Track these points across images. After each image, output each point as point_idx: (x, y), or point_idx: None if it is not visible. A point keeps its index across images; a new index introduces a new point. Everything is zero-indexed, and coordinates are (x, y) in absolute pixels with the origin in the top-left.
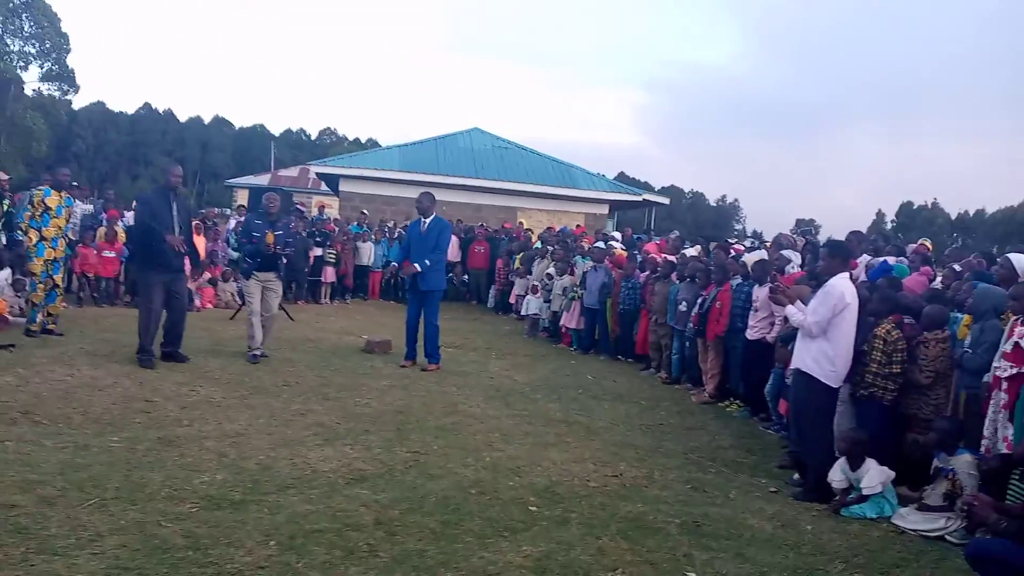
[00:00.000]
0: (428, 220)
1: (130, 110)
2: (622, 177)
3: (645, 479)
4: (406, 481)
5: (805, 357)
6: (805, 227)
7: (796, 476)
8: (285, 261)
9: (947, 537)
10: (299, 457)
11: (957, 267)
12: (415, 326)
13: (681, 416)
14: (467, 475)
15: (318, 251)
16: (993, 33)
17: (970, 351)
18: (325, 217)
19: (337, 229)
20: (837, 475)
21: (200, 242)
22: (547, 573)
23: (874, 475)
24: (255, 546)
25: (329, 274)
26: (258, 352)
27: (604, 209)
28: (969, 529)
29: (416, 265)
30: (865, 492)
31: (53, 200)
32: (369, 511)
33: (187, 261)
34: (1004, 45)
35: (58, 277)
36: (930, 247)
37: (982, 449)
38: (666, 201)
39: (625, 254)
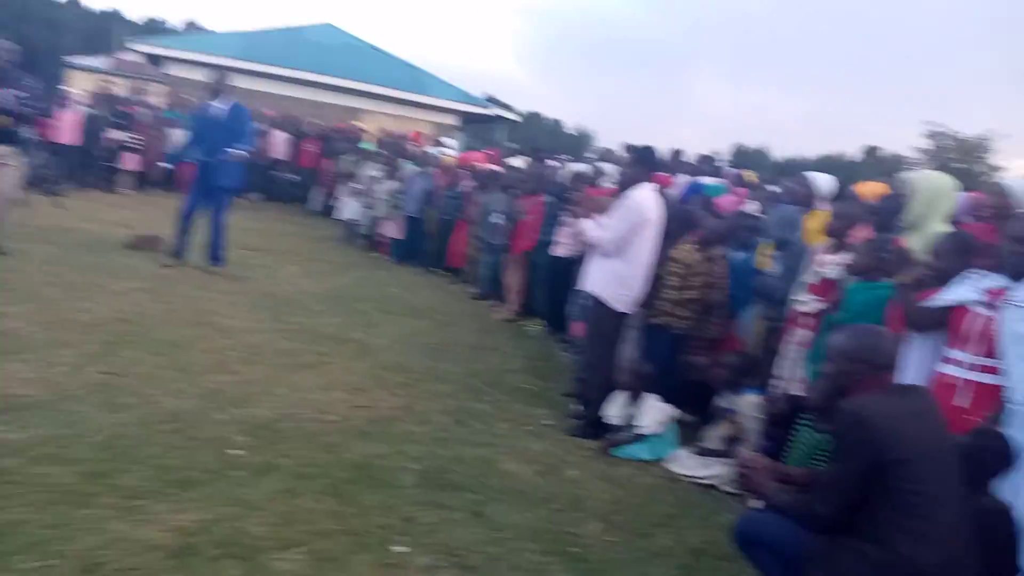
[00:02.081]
0: (223, 104)
1: None
2: (492, 99)
3: (403, 410)
4: (75, 412)
5: (596, 277)
6: None
7: (576, 406)
8: (20, 125)
9: (720, 486)
10: None
11: (776, 188)
12: (190, 218)
13: (477, 335)
14: (167, 405)
15: (118, 134)
16: None
17: (772, 278)
18: (131, 98)
19: (150, 113)
20: (614, 410)
21: None
22: (186, 557)
23: (652, 413)
24: None
25: (130, 161)
26: None
27: (453, 120)
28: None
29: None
30: (641, 431)
31: None
32: None
33: None
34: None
35: None
36: (755, 178)
37: (775, 390)
38: (518, 118)
39: (452, 161)
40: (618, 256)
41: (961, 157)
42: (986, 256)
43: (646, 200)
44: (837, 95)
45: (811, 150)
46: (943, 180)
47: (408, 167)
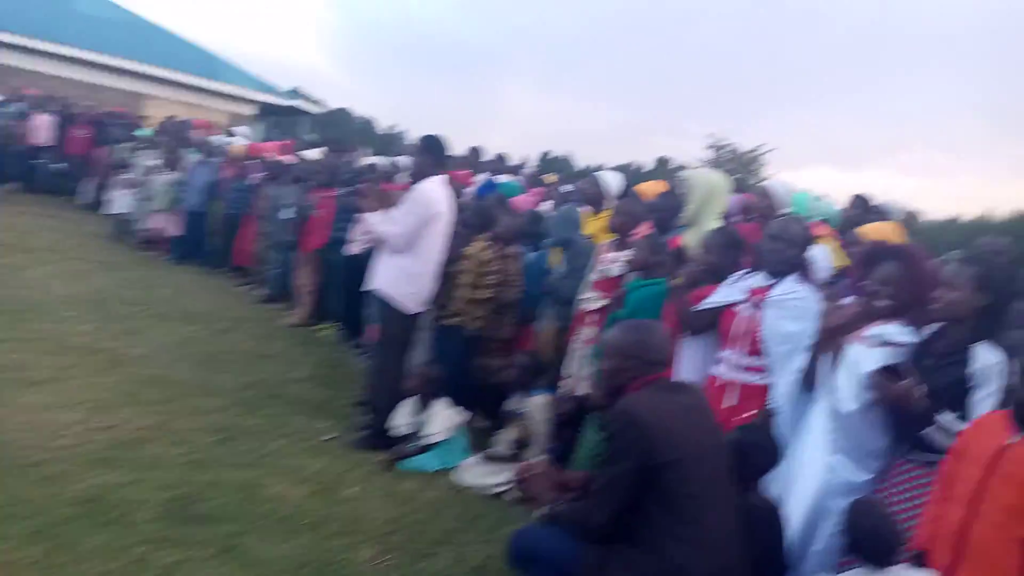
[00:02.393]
0: None
1: None
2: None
3: (155, 430)
4: None
5: (384, 276)
6: None
7: (365, 416)
8: None
9: (507, 495)
10: None
11: (569, 187)
12: None
13: (261, 342)
14: None
15: None
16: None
17: (560, 277)
18: None
19: None
20: (401, 419)
21: None
22: None
23: (441, 419)
24: None
25: None
26: None
27: (250, 110)
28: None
29: None
30: (429, 440)
31: None
32: None
33: None
34: (645, 14)
35: None
36: (554, 179)
37: (563, 390)
38: (319, 109)
39: (241, 150)
40: (407, 252)
41: (738, 168)
42: (752, 254)
43: (434, 192)
44: (636, 109)
45: (611, 159)
46: (717, 178)
47: (190, 156)
